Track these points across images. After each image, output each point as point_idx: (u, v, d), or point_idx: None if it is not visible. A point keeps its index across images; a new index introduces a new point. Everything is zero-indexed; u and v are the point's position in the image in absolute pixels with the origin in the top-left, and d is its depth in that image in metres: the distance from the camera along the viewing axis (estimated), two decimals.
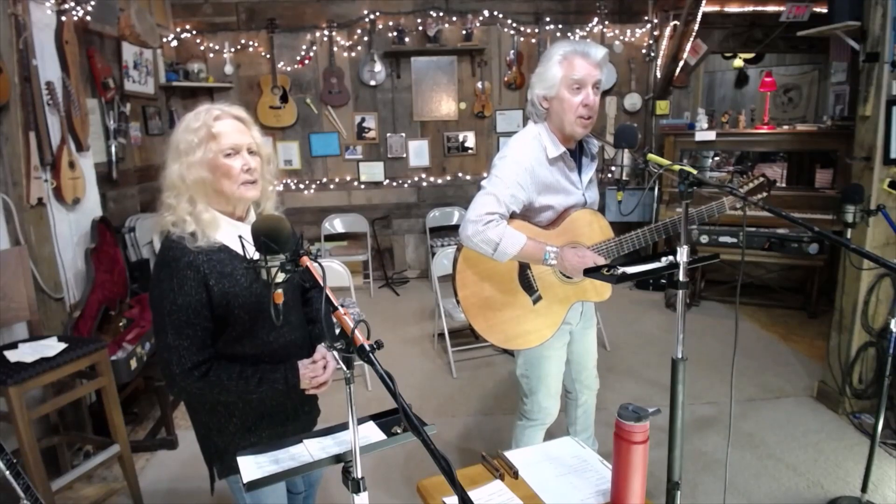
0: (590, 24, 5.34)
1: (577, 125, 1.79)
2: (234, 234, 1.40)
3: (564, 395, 2.17)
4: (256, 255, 1.11)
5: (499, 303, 1.91)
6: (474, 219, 1.75)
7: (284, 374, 1.42)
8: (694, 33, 4.73)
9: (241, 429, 1.49)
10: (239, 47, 5.10)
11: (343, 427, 1.23)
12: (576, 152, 1.91)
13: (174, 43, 4.93)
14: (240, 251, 1.40)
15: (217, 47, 5.07)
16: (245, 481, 1.07)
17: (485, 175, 5.54)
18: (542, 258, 1.79)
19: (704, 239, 4.37)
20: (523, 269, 1.90)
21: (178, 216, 1.38)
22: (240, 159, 1.38)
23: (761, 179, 1.68)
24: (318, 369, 1.47)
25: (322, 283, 1.06)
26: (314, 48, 5.18)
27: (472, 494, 1.25)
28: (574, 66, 1.75)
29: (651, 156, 1.57)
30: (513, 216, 1.85)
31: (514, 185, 1.78)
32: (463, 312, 1.92)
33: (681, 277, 1.43)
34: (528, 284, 1.91)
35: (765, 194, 1.71)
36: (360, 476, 1.04)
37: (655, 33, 5.36)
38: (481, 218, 1.74)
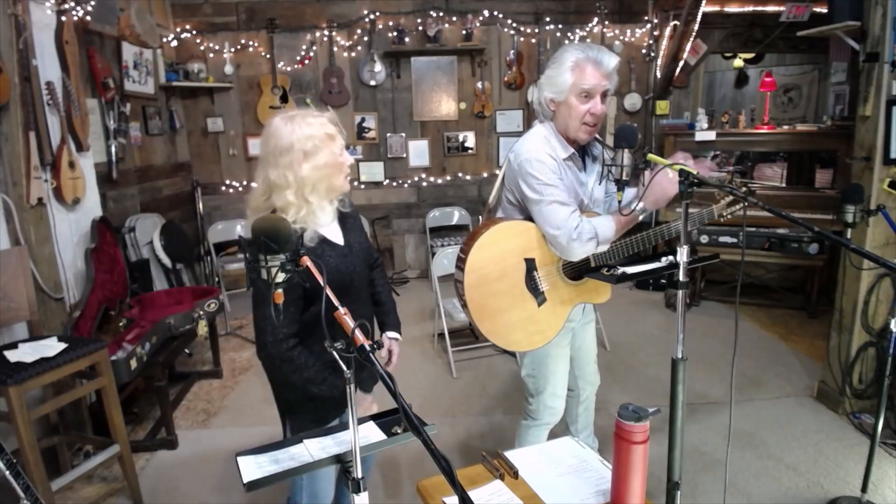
0: (590, 24, 5.34)
1: (581, 132, 1.80)
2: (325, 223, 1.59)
3: (567, 392, 2.17)
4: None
5: (505, 306, 1.89)
6: (559, 232, 1.75)
7: (344, 389, 1.51)
8: (694, 33, 4.73)
9: (332, 384, 1.58)
10: (239, 47, 5.10)
11: (343, 427, 1.23)
12: (580, 153, 1.92)
13: (174, 43, 4.93)
14: (329, 237, 1.60)
15: (217, 47, 5.07)
16: (245, 481, 1.07)
17: (485, 175, 5.57)
18: (638, 217, 1.77)
19: (704, 239, 4.38)
20: (530, 271, 1.89)
21: (312, 212, 1.53)
22: (346, 156, 1.61)
23: (744, 189, 1.67)
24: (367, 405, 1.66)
25: (322, 283, 1.07)
26: (314, 48, 5.18)
27: (472, 494, 1.25)
28: (585, 75, 1.74)
29: (651, 156, 1.57)
30: (521, 218, 1.86)
31: (557, 181, 1.78)
32: (469, 315, 1.90)
33: (681, 277, 1.43)
34: (534, 287, 1.90)
35: (744, 204, 1.70)
36: (360, 476, 1.04)
37: (655, 33, 5.36)
38: (566, 226, 1.74)
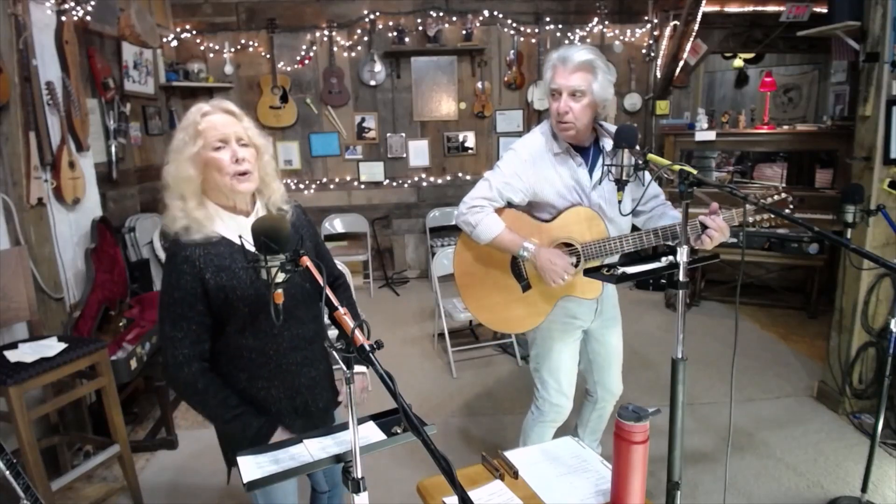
0: (590, 24, 5.34)
1: (558, 128, 1.87)
2: (234, 229, 1.40)
3: (584, 395, 2.18)
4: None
5: (490, 285, 2.01)
6: (466, 200, 1.94)
7: (260, 427, 1.40)
8: (694, 33, 4.73)
9: (213, 417, 1.48)
10: (239, 47, 5.10)
11: (343, 427, 1.23)
12: (588, 150, 1.93)
13: (174, 43, 4.93)
14: (246, 246, 1.40)
15: (217, 47, 5.07)
16: (245, 481, 1.07)
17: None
18: (517, 251, 1.89)
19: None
20: (514, 256, 1.93)
21: (172, 213, 1.38)
22: (228, 151, 1.37)
23: (784, 196, 1.66)
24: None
25: (322, 283, 1.07)
26: (314, 48, 5.18)
27: (472, 494, 1.24)
28: (554, 75, 1.83)
29: (651, 156, 1.57)
30: (513, 206, 1.95)
31: (510, 175, 1.90)
32: (458, 289, 2.05)
33: (681, 277, 1.43)
34: (518, 273, 1.99)
35: (789, 209, 1.68)
36: (360, 476, 1.04)
37: (655, 33, 5.36)
38: (471, 201, 1.92)
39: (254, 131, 1.44)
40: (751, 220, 1.73)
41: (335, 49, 5.18)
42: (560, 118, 1.83)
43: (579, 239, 1.90)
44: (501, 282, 2.00)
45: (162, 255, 3.81)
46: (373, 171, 5.50)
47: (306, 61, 5.20)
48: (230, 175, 1.36)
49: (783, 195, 1.67)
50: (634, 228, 2.01)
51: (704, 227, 1.74)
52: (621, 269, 1.71)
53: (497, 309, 2.01)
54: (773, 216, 1.68)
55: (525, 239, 1.88)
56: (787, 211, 1.62)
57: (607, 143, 1.96)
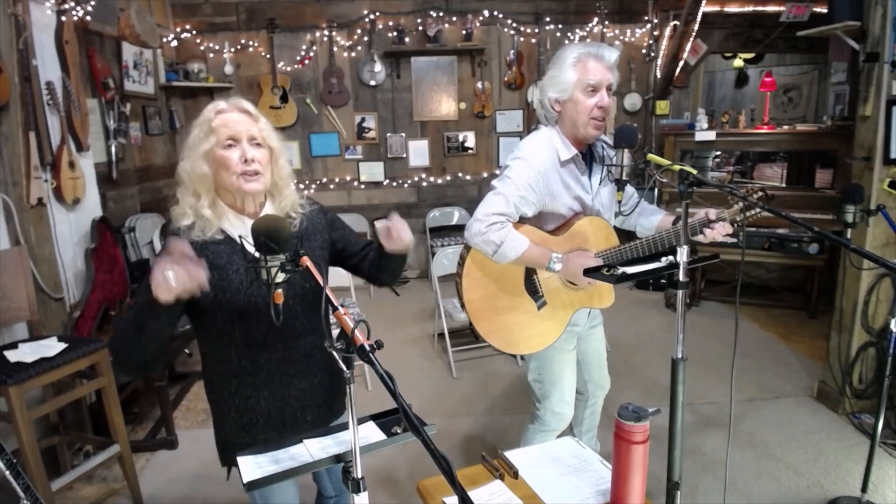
0: (590, 24, 5.34)
1: (590, 127, 1.77)
2: (240, 229, 1.38)
3: (575, 396, 2.17)
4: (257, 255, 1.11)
5: (504, 307, 1.89)
6: (481, 218, 1.74)
7: (146, 289, 1.17)
8: (694, 33, 4.73)
9: (237, 424, 1.48)
10: (239, 47, 5.10)
11: (343, 427, 1.23)
12: (586, 156, 1.90)
13: (174, 43, 4.93)
14: (246, 247, 1.37)
15: (217, 47, 5.07)
16: (245, 481, 1.07)
17: (485, 175, 5.57)
18: (546, 264, 1.77)
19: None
20: (529, 273, 1.89)
21: (182, 209, 1.37)
22: (238, 150, 1.34)
23: (760, 194, 1.67)
24: (177, 255, 1.17)
25: (322, 283, 1.07)
26: (314, 48, 5.19)
27: (472, 494, 1.24)
28: (588, 69, 1.73)
29: (651, 156, 1.57)
30: (522, 220, 1.84)
31: (525, 187, 1.76)
32: (467, 315, 1.91)
33: (681, 277, 1.43)
34: (533, 289, 1.90)
35: (756, 211, 1.69)
36: (360, 476, 1.04)
37: (655, 33, 5.36)
38: (488, 218, 1.73)
39: (270, 133, 1.41)
40: (740, 218, 1.73)
41: (335, 49, 5.19)
42: (603, 115, 1.75)
43: (593, 249, 1.87)
44: (515, 302, 1.90)
45: None
46: (373, 171, 5.50)
47: (306, 61, 5.20)
48: (237, 174, 1.34)
49: (758, 193, 1.67)
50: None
51: (708, 220, 1.72)
52: (621, 270, 1.71)
53: (512, 330, 1.91)
54: (756, 216, 1.68)
55: (551, 250, 1.78)
56: (756, 211, 1.63)
57: (600, 148, 1.94)
